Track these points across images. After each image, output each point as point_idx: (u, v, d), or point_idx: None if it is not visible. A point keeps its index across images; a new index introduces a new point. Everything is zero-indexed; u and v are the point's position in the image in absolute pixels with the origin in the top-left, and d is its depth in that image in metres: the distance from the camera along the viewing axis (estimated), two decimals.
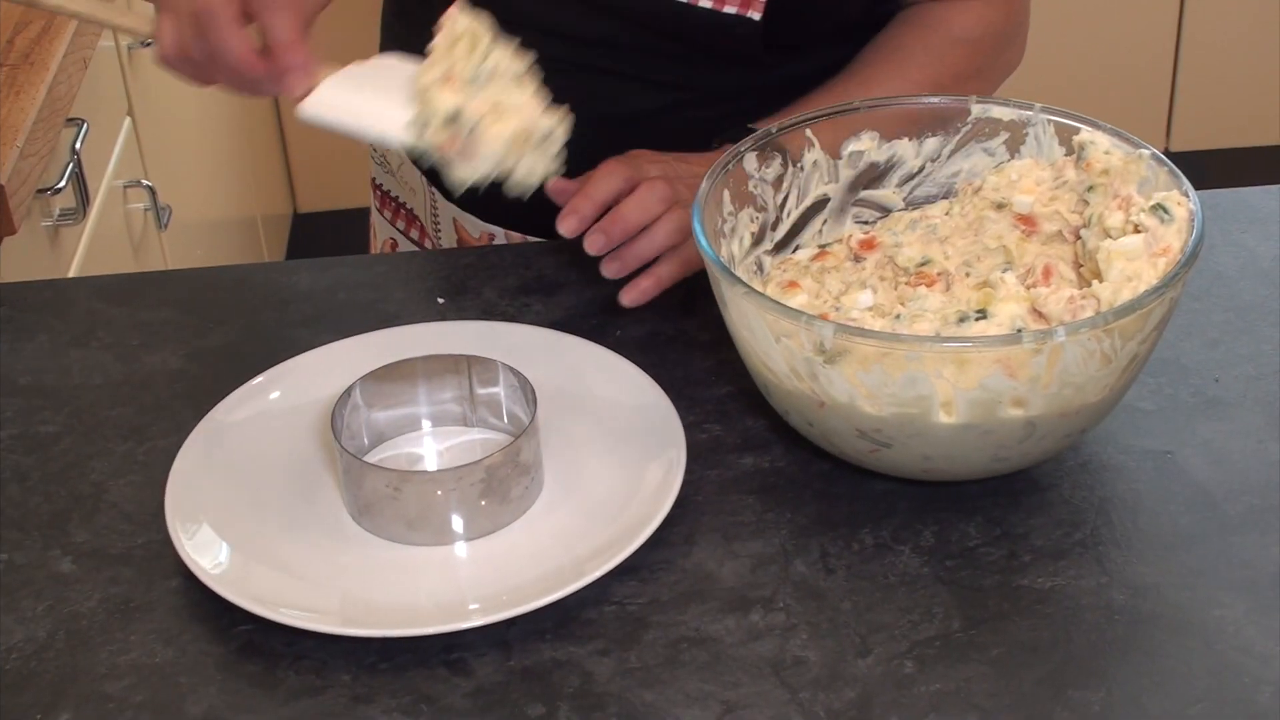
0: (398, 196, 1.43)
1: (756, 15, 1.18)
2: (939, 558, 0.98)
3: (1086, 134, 1.07)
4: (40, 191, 1.57)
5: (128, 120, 1.98)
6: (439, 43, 1.01)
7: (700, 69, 1.22)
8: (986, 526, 1.00)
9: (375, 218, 1.47)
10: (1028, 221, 1.07)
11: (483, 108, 1.00)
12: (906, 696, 0.89)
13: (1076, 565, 0.97)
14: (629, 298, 1.13)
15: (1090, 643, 0.92)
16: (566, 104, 1.25)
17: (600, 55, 1.22)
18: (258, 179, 2.82)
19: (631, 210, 1.11)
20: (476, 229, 1.34)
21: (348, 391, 1.03)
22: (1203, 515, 1.00)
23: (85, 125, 1.69)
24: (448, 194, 1.35)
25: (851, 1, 1.24)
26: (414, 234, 1.41)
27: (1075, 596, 0.95)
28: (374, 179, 1.46)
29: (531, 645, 0.93)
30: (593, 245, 1.11)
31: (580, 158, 1.27)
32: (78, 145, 1.67)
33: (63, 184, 1.62)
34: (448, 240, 1.37)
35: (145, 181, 1.97)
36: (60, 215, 1.66)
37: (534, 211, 1.31)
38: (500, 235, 1.33)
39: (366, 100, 1.03)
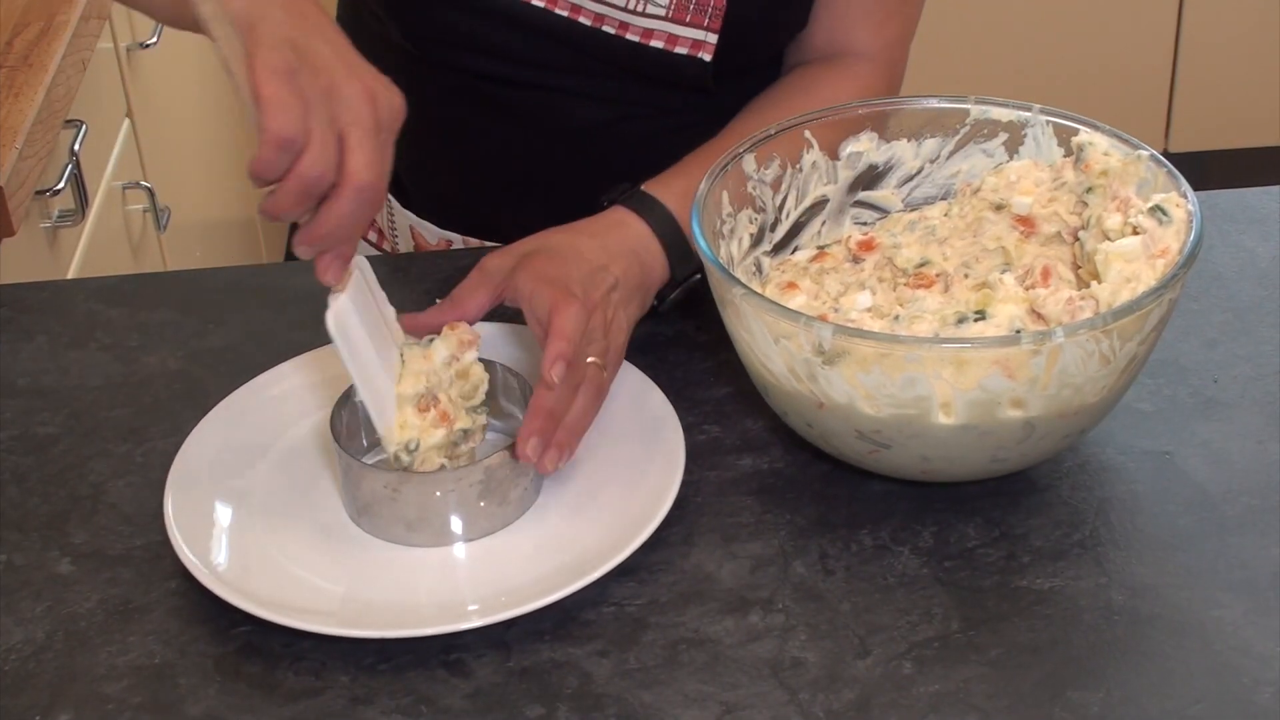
0: None
1: (707, 57, 1.20)
2: (938, 559, 0.98)
3: (1085, 135, 1.07)
4: (39, 193, 1.57)
5: (126, 122, 1.98)
6: (439, 353, 1.01)
7: (650, 91, 1.23)
8: (985, 527, 1.00)
9: None
10: (1026, 223, 1.07)
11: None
12: (905, 697, 0.89)
13: (1075, 566, 0.97)
14: (553, 466, 1.00)
15: (1089, 643, 0.92)
16: (519, 117, 1.25)
17: (552, 75, 1.23)
18: None
19: (579, 421, 1.01)
20: (433, 235, 1.35)
21: (347, 392, 1.03)
22: (1201, 516, 1.00)
23: (84, 127, 1.69)
24: (405, 200, 1.36)
25: (795, 29, 1.26)
26: (372, 237, 1.41)
27: (1074, 597, 0.95)
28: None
29: (530, 646, 0.93)
30: (551, 462, 1.00)
31: (534, 166, 1.27)
32: (76, 147, 1.67)
33: (61, 185, 1.62)
34: (405, 245, 1.38)
35: (144, 183, 1.97)
36: (59, 217, 1.66)
37: (491, 218, 1.31)
38: (458, 241, 1.34)
39: (371, 359, 0.98)
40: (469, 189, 1.32)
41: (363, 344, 0.98)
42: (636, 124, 1.26)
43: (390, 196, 1.37)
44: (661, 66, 1.21)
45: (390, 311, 1.03)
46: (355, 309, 0.98)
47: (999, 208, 1.08)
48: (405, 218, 1.36)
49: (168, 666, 0.93)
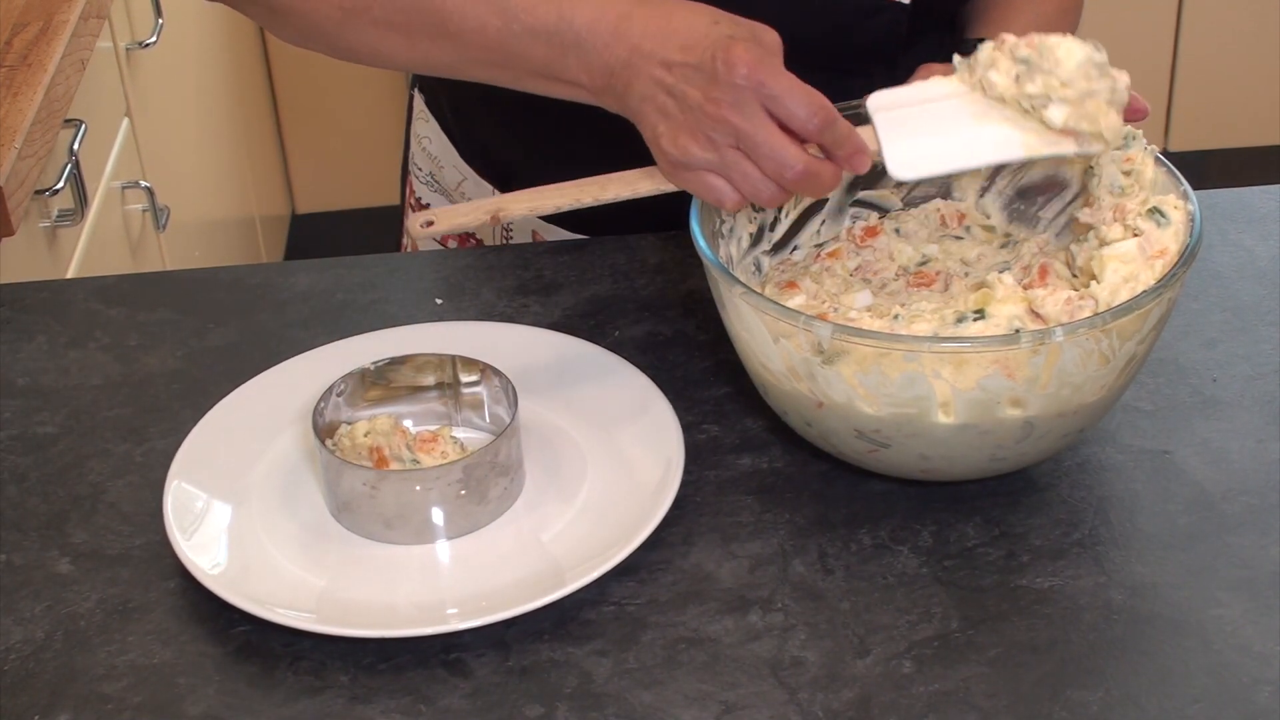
0: None
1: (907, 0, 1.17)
2: (937, 558, 0.98)
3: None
4: (38, 193, 1.57)
5: (126, 121, 1.98)
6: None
7: (815, 74, 1.09)
8: (985, 527, 1.00)
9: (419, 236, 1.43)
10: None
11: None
12: (905, 697, 0.89)
13: (1075, 565, 0.97)
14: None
15: (1088, 642, 0.92)
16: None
17: None
18: (256, 180, 2.82)
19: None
20: (559, 239, 1.32)
21: (330, 389, 1.03)
22: (1201, 515, 1.00)
23: (83, 126, 1.69)
24: None
25: None
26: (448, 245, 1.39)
27: (1073, 596, 0.95)
28: (419, 199, 1.42)
29: (530, 646, 0.93)
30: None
31: None
32: (76, 146, 1.67)
33: (61, 185, 1.62)
34: None
35: (143, 182, 1.97)
36: (58, 216, 1.66)
37: (624, 217, 1.28)
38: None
39: (949, 140, 1.00)
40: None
41: (938, 145, 1.00)
42: None
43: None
44: (858, 13, 1.18)
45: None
46: (894, 145, 1.00)
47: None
48: (528, 222, 1.32)
49: (167, 666, 0.93)
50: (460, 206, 1.05)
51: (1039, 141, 0.99)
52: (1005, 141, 1.00)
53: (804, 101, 0.96)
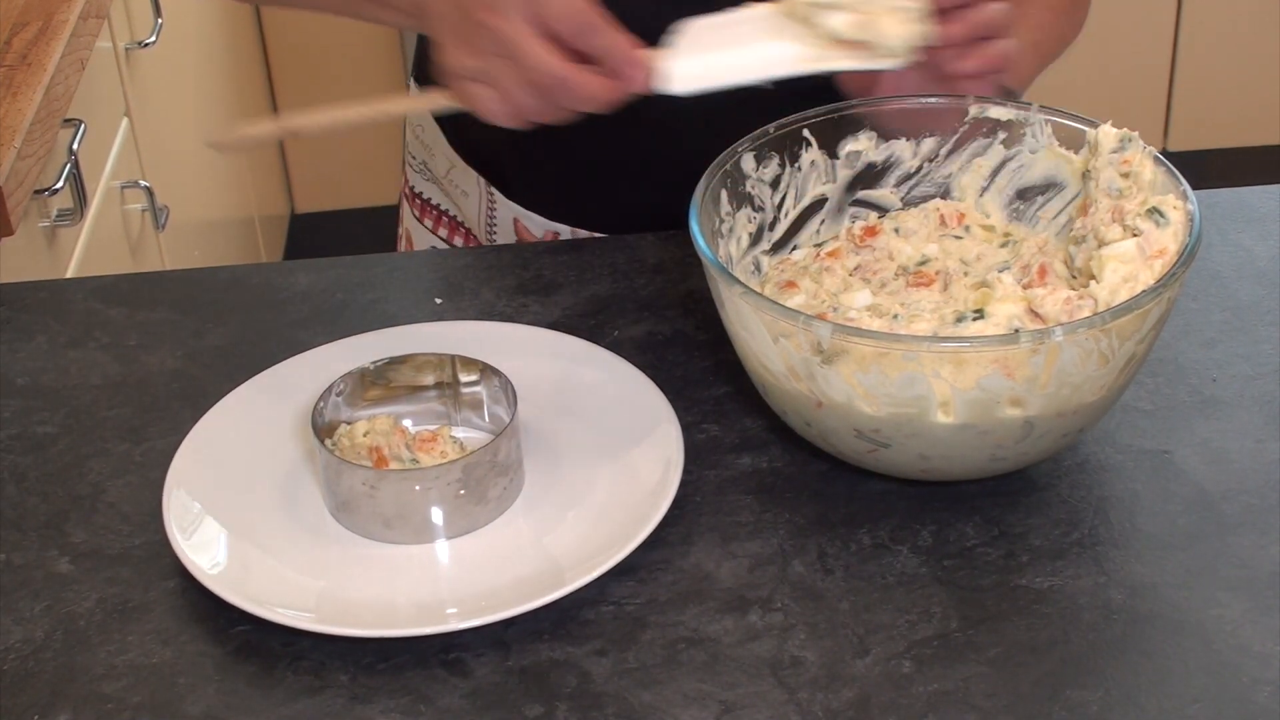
0: (439, 204, 1.40)
1: None
2: (937, 558, 0.98)
3: (1126, 130, 1.05)
4: (38, 192, 1.57)
5: (125, 121, 1.98)
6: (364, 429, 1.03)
7: None
8: (984, 526, 1.00)
9: (412, 226, 1.43)
10: None
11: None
12: (904, 697, 0.89)
13: (1074, 565, 0.97)
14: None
15: (1088, 642, 0.92)
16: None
17: None
18: (255, 179, 2.82)
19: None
20: (540, 228, 1.32)
21: (330, 389, 1.03)
22: (1200, 515, 1.00)
23: (83, 126, 1.69)
24: (509, 192, 1.32)
25: None
26: (457, 242, 1.39)
27: (1073, 596, 0.95)
28: (412, 188, 1.43)
29: (529, 645, 0.93)
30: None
31: (655, 147, 1.23)
32: (75, 146, 1.67)
33: (60, 185, 1.62)
34: (505, 241, 1.35)
35: (143, 182, 1.97)
36: (58, 216, 1.67)
37: (603, 208, 1.28)
38: (566, 233, 1.30)
39: (729, 55, 1.01)
40: (580, 175, 1.28)
41: (719, 61, 1.01)
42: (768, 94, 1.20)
43: (492, 190, 1.33)
44: None
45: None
46: (679, 60, 1.01)
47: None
48: (509, 211, 1.33)
49: (166, 666, 0.93)
50: (261, 122, 1.09)
51: (820, 54, 1.00)
52: (785, 56, 1.01)
53: (565, 4, 0.96)
